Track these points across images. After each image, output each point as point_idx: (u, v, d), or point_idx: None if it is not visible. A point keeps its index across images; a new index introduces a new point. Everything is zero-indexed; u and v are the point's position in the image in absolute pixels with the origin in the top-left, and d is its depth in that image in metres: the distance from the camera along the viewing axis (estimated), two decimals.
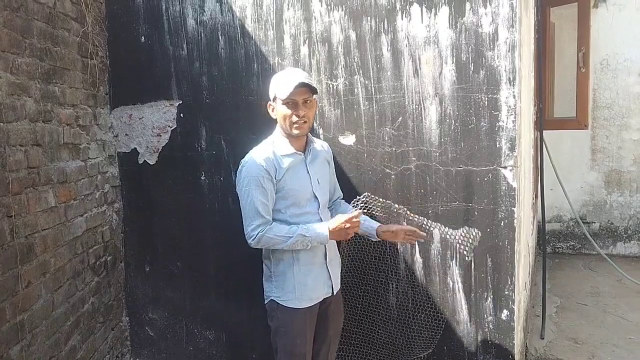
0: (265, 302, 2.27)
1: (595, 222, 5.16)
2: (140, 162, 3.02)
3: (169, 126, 2.96)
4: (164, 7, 2.90)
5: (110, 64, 3.00)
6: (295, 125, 2.10)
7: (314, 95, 2.14)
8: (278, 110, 2.13)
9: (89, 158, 2.80)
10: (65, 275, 2.52)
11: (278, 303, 2.20)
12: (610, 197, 5.12)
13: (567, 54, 4.05)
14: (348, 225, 2.09)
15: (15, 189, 2.11)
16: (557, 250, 5.37)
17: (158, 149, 2.99)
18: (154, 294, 3.10)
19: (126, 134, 3.02)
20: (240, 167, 2.16)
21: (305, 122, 2.10)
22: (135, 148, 3.02)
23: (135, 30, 2.95)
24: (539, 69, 3.28)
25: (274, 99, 2.14)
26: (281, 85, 2.08)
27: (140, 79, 2.97)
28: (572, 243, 5.30)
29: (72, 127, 2.63)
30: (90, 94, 2.84)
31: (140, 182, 3.05)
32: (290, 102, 2.08)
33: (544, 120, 3.31)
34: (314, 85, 2.09)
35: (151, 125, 2.98)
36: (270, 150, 2.15)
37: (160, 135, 2.98)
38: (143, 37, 2.95)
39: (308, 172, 2.19)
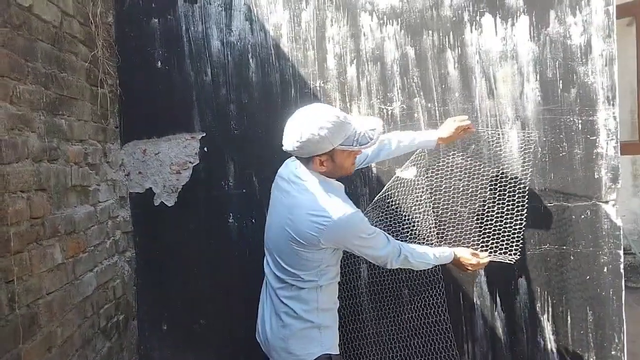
0: None
1: None
2: (157, 203, 2.61)
3: (190, 162, 2.57)
4: (184, 27, 2.54)
5: (122, 93, 2.62)
6: None
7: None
8: None
9: (98, 202, 2.39)
10: (74, 346, 2.07)
11: (331, 355, 1.80)
12: None
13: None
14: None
15: (17, 246, 1.69)
16: None
17: (177, 188, 2.59)
18: (172, 357, 2.65)
19: (139, 172, 2.62)
20: (336, 224, 1.65)
21: None
22: (150, 188, 2.62)
23: (150, 55, 2.58)
24: None
25: None
26: None
27: (156, 109, 2.59)
28: None
29: (80, 166, 2.23)
30: (99, 127, 2.45)
31: (156, 227, 2.63)
32: None
33: None
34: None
35: (169, 162, 2.59)
36: None
37: (180, 173, 2.58)
38: (159, 62, 2.58)
39: None
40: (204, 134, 2.54)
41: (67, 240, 2.06)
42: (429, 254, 1.86)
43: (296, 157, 1.73)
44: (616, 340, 2.04)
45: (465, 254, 1.94)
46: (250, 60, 2.47)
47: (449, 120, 2.08)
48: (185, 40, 2.55)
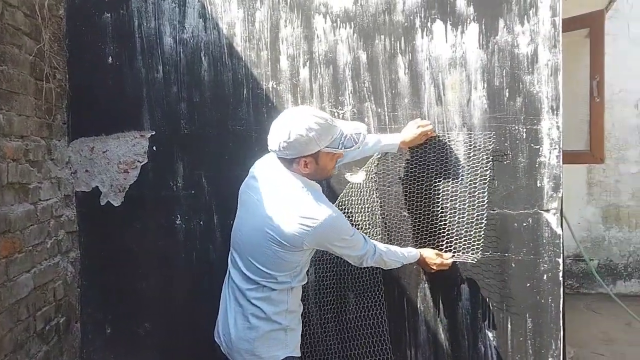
0: None
1: (593, 260, 4.91)
2: (103, 203, 2.54)
3: (138, 161, 2.50)
4: (136, 23, 2.48)
5: (70, 89, 2.54)
6: None
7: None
8: None
9: (39, 200, 2.30)
10: (3, 351, 1.98)
11: (294, 357, 1.82)
12: (608, 233, 4.89)
13: (574, 82, 3.85)
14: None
15: None
16: None
17: (125, 187, 2.52)
18: None
19: (86, 170, 2.54)
20: (322, 226, 1.65)
21: None
22: (97, 187, 2.54)
23: (101, 50, 2.51)
24: None
25: None
26: None
27: (105, 106, 2.52)
28: (570, 282, 5.02)
29: (19, 162, 2.14)
30: (44, 123, 2.37)
31: (102, 226, 2.55)
32: None
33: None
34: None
35: (117, 160, 2.52)
36: None
37: (128, 172, 2.52)
38: (110, 58, 2.51)
39: None
40: (154, 133, 2.48)
41: (1, 240, 1.98)
42: (399, 253, 1.95)
43: (278, 157, 1.72)
44: (553, 347, 2.07)
45: (430, 254, 2.05)
46: (203, 59, 2.43)
47: (411, 124, 2.11)
48: (137, 37, 2.49)
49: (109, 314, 2.59)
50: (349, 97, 2.25)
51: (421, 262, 2.06)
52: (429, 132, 2.11)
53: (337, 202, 2.20)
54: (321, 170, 1.73)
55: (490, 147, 2.07)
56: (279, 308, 1.76)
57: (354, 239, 1.77)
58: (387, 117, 2.21)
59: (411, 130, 2.09)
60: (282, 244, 1.66)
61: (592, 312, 4.52)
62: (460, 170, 2.11)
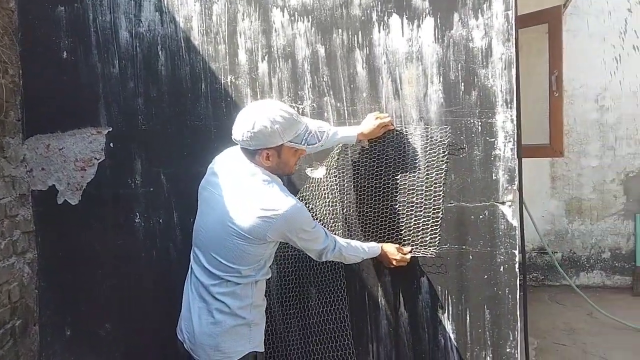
0: None
1: (557, 252, 5.01)
2: (60, 201, 2.48)
3: (95, 158, 2.45)
4: (91, 16, 2.43)
5: (24, 84, 2.48)
6: None
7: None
8: None
9: None
10: None
11: (257, 352, 1.83)
12: (571, 226, 4.99)
13: (535, 77, 3.92)
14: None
15: None
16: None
17: (82, 185, 2.46)
18: None
19: (42, 169, 2.48)
20: (283, 217, 1.66)
21: None
22: (53, 185, 2.48)
23: (56, 44, 2.45)
24: None
25: None
26: None
27: (61, 102, 2.46)
28: (535, 274, 5.11)
29: None
30: None
31: (60, 226, 2.50)
32: None
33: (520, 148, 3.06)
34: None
35: (74, 158, 2.46)
36: None
37: (85, 170, 2.46)
38: (65, 52, 2.45)
39: None
40: (111, 129, 2.43)
41: None
42: (359, 248, 1.96)
43: (241, 148, 1.72)
44: (511, 338, 2.10)
45: (390, 249, 2.08)
46: (160, 53, 2.38)
47: (370, 116, 2.12)
48: (93, 30, 2.44)
49: (68, 316, 2.53)
50: (308, 92, 2.23)
51: (382, 257, 2.08)
52: (387, 124, 2.12)
53: (298, 196, 2.19)
54: (283, 164, 1.74)
55: (446, 141, 2.08)
56: (244, 302, 1.76)
57: (315, 232, 1.78)
58: (346, 111, 2.20)
59: (370, 122, 2.10)
60: (246, 237, 1.66)
61: (556, 304, 4.61)
62: (418, 164, 2.12)
